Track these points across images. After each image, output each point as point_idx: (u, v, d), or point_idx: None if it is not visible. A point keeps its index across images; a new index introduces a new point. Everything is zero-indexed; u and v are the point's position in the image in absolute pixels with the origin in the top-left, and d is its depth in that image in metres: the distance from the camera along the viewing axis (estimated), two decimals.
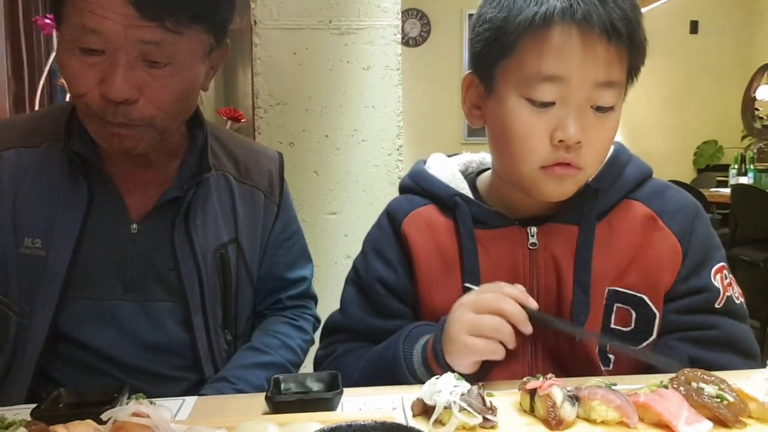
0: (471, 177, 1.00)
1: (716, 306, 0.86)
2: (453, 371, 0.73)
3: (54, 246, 0.93)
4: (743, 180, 4.61)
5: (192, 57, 0.88)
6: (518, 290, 0.79)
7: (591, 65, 0.77)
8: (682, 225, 0.88)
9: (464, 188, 0.94)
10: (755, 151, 5.07)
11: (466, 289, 0.85)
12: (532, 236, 0.88)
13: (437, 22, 5.68)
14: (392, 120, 1.83)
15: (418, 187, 0.97)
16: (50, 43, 2.11)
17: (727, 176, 4.89)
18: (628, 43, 0.79)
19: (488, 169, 1.00)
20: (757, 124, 5.33)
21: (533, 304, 0.79)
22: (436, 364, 0.79)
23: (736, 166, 4.78)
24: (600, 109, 0.80)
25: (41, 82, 2.19)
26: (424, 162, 1.01)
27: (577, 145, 0.79)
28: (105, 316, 0.95)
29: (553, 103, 0.79)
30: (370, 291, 0.95)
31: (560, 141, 0.79)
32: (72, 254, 0.93)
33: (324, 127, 1.82)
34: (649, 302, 0.86)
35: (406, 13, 5.49)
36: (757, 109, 5.28)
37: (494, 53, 0.82)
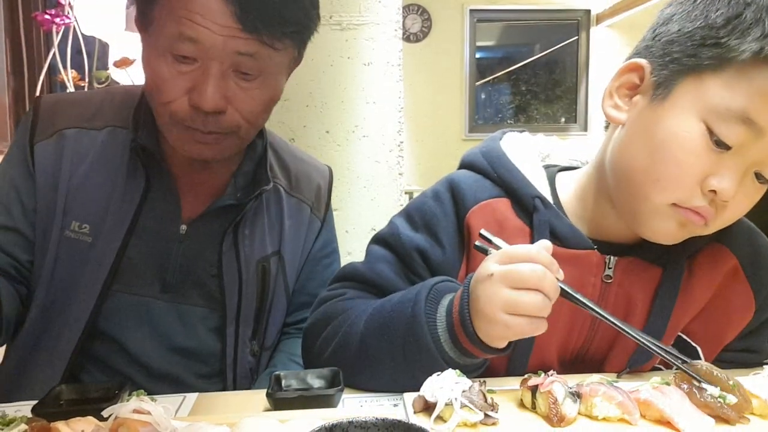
0: (551, 173, 0.88)
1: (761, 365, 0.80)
2: (481, 343, 0.69)
3: (104, 234, 0.91)
4: None
5: (279, 70, 0.88)
6: (550, 258, 0.69)
7: None
8: (763, 281, 0.82)
9: (545, 188, 0.84)
10: None
11: (484, 239, 0.74)
12: (610, 268, 0.79)
13: (438, 18, 5.66)
14: (393, 116, 1.82)
15: (494, 172, 0.85)
16: (50, 39, 2.11)
17: None
18: None
19: (570, 167, 0.90)
20: None
21: (561, 274, 0.70)
22: (464, 333, 0.70)
23: None
24: (760, 178, 0.71)
25: (41, 78, 2.18)
26: (500, 138, 0.90)
27: (723, 203, 0.71)
28: (140, 313, 0.94)
29: (728, 149, 0.69)
30: (406, 257, 0.85)
31: (711, 191, 0.70)
32: (121, 245, 0.91)
33: (325, 123, 1.81)
34: (701, 355, 0.81)
35: (407, 9, 5.47)
36: None
37: (698, 61, 0.69)
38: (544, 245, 0.70)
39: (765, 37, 0.65)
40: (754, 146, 0.68)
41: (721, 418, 0.65)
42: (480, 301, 0.68)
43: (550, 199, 0.82)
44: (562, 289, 0.70)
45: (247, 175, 1.00)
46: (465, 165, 0.89)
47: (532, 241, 0.79)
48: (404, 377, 0.74)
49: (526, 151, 0.88)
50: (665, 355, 0.70)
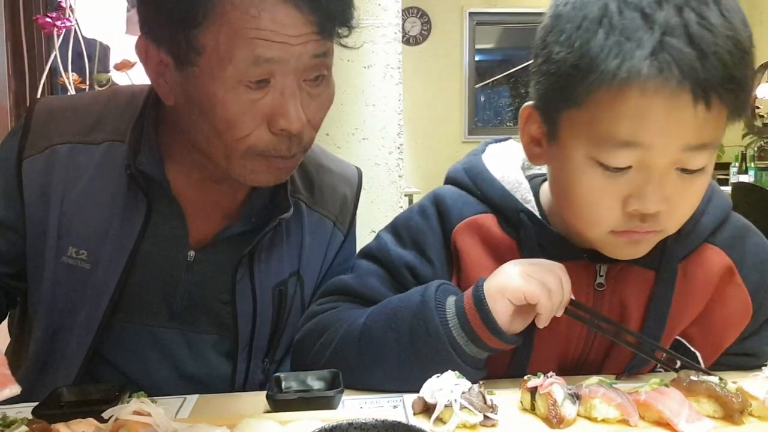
0: (535, 183, 0.86)
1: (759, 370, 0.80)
2: (492, 322, 0.71)
3: (103, 262, 0.85)
4: (744, 178, 4.62)
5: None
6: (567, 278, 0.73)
7: (680, 131, 0.65)
8: (759, 281, 0.81)
9: (530, 201, 0.82)
10: (756, 149, 5.05)
11: None
12: (601, 276, 0.79)
13: (438, 21, 5.67)
14: (393, 118, 1.82)
15: (477, 189, 0.84)
16: (51, 42, 2.11)
17: (728, 174, 4.89)
18: (731, 104, 0.65)
19: None
20: (758, 122, 5.30)
21: (571, 294, 0.74)
22: (476, 310, 0.71)
23: (737, 165, 4.78)
24: (687, 171, 0.68)
25: (42, 81, 2.19)
26: (482, 151, 0.89)
27: (654, 214, 0.69)
28: (146, 342, 0.89)
29: (629, 167, 0.67)
30: (396, 273, 0.85)
31: (634, 210, 0.68)
32: (122, 273, 0.85)
33: (325, 125, 1.79)
34: (701, 360, 0.80)
35: (407, 12, 5.48)
36: (758, 107, 5.26)
37: (560, 100, 0.69)
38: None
39: (616, 56, 0.62)
40: (654, 157, 0.66)
41: (720, 419, 0.65)
42: (505, 268, 0.74)
43: (535, 211, 0.82)
44: (572, 307, 0.74)
45: (264, 196, 0.92)
46: (449, 181, 0.89)
47: (521, 256, 0.79)
48: (408, 370, 0.74)
49: (509, 162, 0.87)
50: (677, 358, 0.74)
